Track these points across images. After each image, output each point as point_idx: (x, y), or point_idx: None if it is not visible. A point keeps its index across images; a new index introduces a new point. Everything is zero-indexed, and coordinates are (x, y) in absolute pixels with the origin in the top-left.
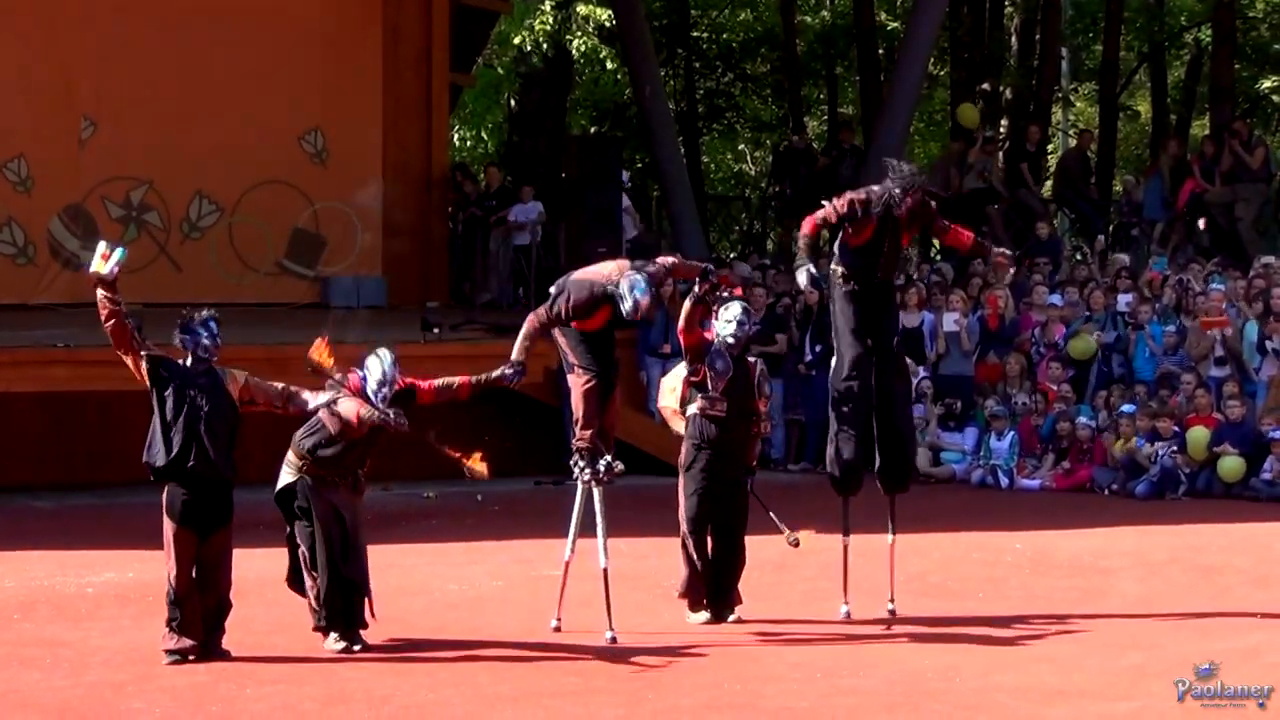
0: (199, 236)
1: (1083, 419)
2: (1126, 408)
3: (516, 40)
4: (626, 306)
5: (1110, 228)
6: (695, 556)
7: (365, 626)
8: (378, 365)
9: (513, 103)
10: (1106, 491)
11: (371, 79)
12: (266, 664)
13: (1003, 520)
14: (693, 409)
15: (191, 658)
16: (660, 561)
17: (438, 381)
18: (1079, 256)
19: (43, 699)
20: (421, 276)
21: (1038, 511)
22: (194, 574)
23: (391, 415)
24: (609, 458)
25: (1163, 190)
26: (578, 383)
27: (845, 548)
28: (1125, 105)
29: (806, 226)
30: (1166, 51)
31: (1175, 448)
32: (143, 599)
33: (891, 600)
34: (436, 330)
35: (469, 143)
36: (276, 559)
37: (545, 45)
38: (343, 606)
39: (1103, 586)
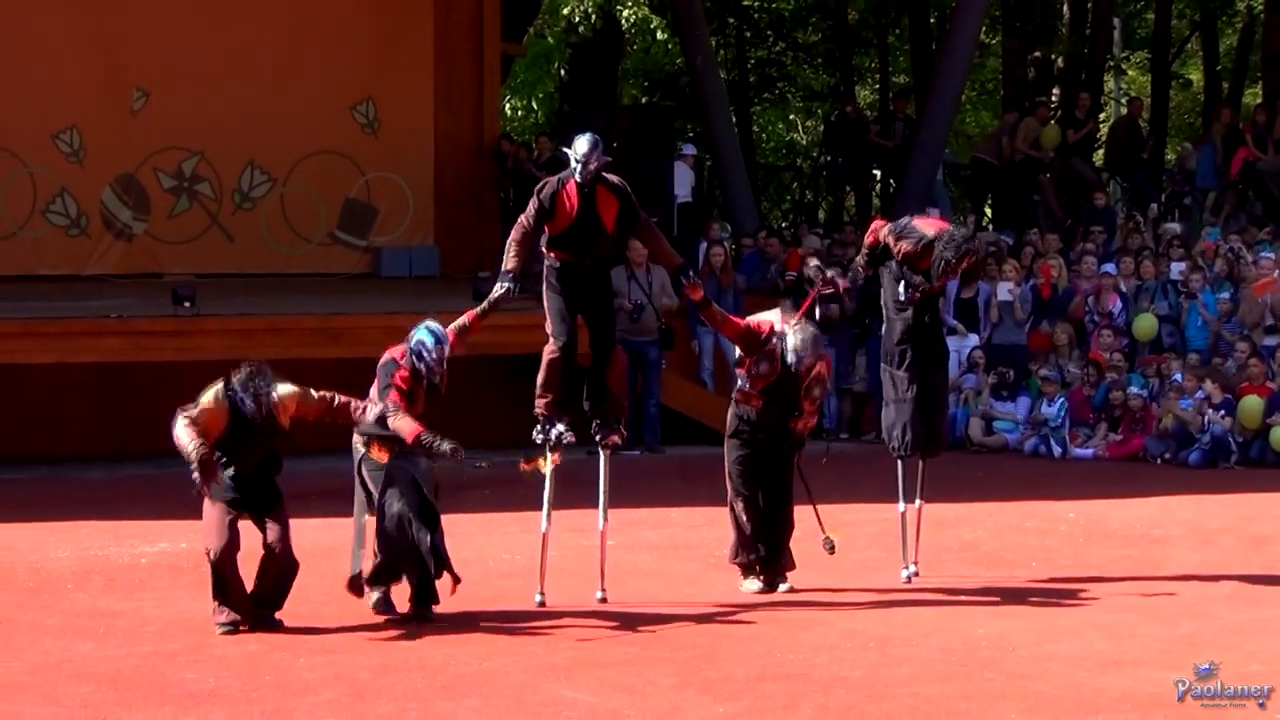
0: (251, 207)
1: (1134, 389)
2: (1178, 377)
3: (566, 10)
4: (575, 162)
5: (1163, 196)
6: (745, 519)
7: (438, 603)
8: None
9: (563, 73)
10: (1159, 461)
11: (423, 49)
12: (319, 634)
13: (1056, 489)
14: (741, 382)
15: (244, 627)
16: (712, 531)
17: (452, 328)
18: (1132, 225)
19: (96, 669)
20: (473, 246)
21: (1090, 481)
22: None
23: (448, 447)
24: (562, 426)
25: (1215, 159)
26: (545, 349)
27: (903, 515)
28: (1177, 74)
29: (869, 237)
30: (1218, 19)
31: (1224, 412)
32: (196, 569)
33: (915, 563)
34: None
35: (520, 113)
36: (331, 530)
37: (595, 15)
38: (420, 582)
39: (1156, 555)
